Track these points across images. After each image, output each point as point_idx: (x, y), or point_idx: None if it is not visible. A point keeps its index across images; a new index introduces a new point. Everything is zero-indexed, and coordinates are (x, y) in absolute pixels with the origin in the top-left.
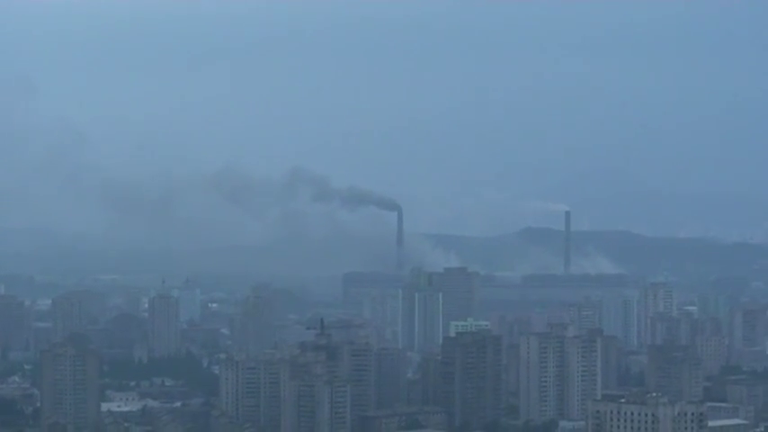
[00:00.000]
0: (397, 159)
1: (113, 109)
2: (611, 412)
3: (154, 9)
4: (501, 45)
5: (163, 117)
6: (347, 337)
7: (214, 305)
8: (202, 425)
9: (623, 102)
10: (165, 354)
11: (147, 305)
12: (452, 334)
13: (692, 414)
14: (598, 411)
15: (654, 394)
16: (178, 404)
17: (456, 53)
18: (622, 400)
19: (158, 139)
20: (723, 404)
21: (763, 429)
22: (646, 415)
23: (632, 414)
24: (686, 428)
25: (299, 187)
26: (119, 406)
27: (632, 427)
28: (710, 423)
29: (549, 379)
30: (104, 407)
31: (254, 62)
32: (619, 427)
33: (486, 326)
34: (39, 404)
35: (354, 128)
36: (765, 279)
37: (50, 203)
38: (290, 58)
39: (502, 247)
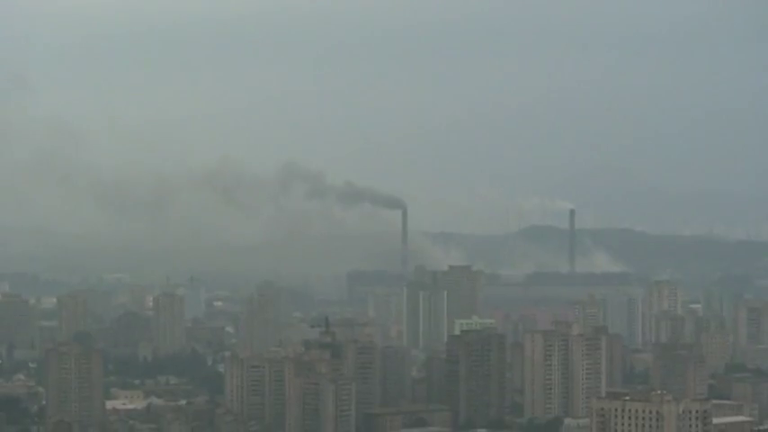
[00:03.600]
0: (399, 157)
1: (107, 108)
2: (616, 410)
3: (146, 9)
4: (502, 44)
5: (156, 115)
6: (352, 336)
7: (218, 303)
8: (207, 423)
9: (627, 100)
10: (169, 352)
11: (151, 303)
12: (457, 332)
13: (697, 411)
14: (602, 409)
15: (658, 392)
16: (183, 402)
17: (457, 51)
18: (627, 398)
19: (152, 137)
20: (728, 402)
21: (767, 427)
22: (650, 412)
23: (637, 412)
24: (691, 426)
25: (293, 184)
26: (124, 404)
27: (637, 425)
28: (715, 420)
29: (553, 377)
30: (109, 405)
31: (248, 59)
32: (623, 424)
33: (491, 324)
34: (44, 402)
35: (355, 126)
36: None
37: (45, 202)
38: (284, 56)
39: (506, 245)
